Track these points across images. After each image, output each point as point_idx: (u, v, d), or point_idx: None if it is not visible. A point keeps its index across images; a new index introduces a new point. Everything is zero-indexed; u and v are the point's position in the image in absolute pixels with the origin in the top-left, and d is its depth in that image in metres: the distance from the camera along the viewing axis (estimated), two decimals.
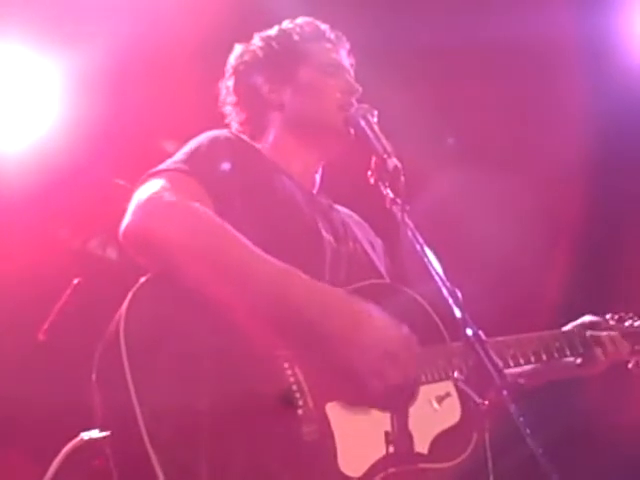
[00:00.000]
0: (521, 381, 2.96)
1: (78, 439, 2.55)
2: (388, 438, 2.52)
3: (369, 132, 2.77)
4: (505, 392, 2.22)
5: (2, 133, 5.12)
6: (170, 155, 2.78)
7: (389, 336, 2.47)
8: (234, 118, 3.11)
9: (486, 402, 2.44)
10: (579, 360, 3.13)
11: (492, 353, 2.29)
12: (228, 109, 3.12)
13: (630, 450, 5.14)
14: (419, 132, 5.00)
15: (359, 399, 2.49)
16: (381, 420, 2.53)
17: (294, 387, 2.46)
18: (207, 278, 2.43)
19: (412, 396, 2.60)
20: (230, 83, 3.11)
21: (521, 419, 2.18)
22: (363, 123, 2.81)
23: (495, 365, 2.26)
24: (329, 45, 3.07)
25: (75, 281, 4.86)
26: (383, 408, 2.53)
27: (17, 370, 5.04)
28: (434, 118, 5.21)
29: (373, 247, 3.10)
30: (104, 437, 2.43)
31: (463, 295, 2.39)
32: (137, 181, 2.69)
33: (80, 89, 4.88)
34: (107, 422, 2.43)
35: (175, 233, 2.47)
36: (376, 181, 2.65)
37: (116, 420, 2.38)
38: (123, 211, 2.59)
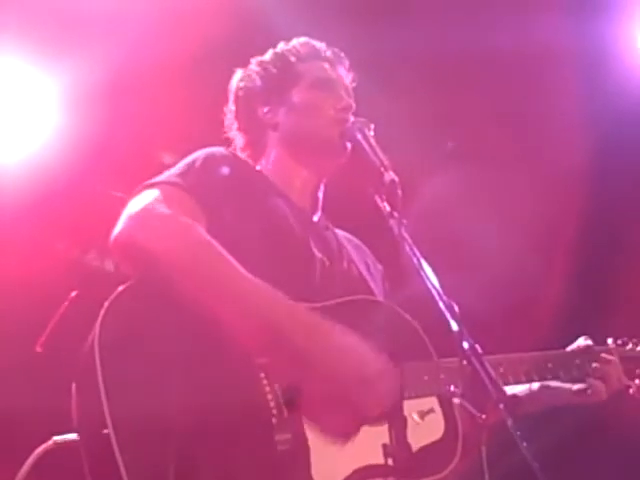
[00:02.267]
0: (519, 395, 2.95)
1: (50, 442, 2.55)
2: (386, 450, 2.52)
3: (366, 146, 2.78)
4: (502, 405, 2.23)
5: (1, 146, 5.13)
6: (167, 167, 2.81)
7: (364, 364, 2.46)
8: (238, 142, 3.15)
9: (483, 416, 2.43)
10: (575, 387, 3.06)
11: (489, 366, 2.29)
12: (232, 134, 3.16)
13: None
14: (418, 138, 5.00)
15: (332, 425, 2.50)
16: (365, 432, 2.53)
17: (269, 396, 2.47)
18: (189, 291, 2.45)
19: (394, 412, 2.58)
20: (231, 109, 3.16)
21: (518, 433, 2.18)
22: (360, 137, 2.82)
23: (492, 379, 2.27)
24: (326, 64, 3.09)
25: (73, 293, 4.86)
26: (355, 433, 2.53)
27: (14, 382, 5.04)
28: (433, 124, 5.22)
29: (370, 270, 3.10)
30: (75, 440, 2.48)
31: (460, 307, 2.40)
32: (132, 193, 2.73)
33: (77, 102, 4.89)
34: (80, 427, 2.47)
35: (163, 246, 2.51)
36: (373, 195, 2.65)
37: (87, 425, 2.41)
38: None
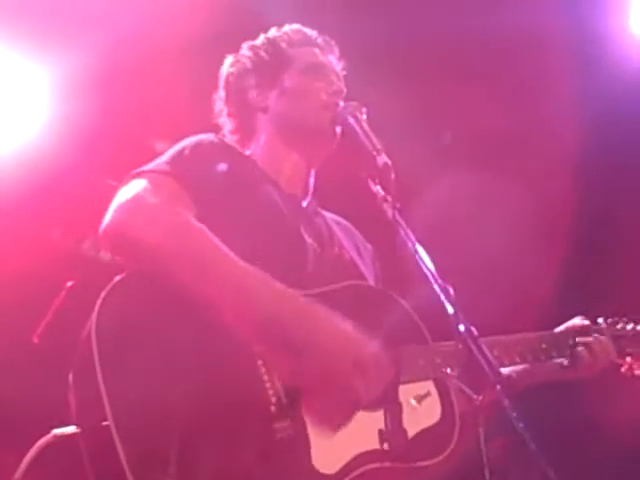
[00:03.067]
0: (514, 375, 2.95)
1: (50, 435, 2.51)
2: (382, 436, 2.53)
3: (358, 129, 2.77)
4: (498, 387, 2.24)
5: None
6: (160, 154, 2.80)
7: (359, 348, 2.44)
8: (227, 128, 3.13)
9: (480, 397, 2.44)
10: (566, 362, 3.08)
11: (485, 348, 2.30)
12: (222, 120, 3.15)
13: (625, 448, 5.12)
14: (413, 130, 4.99)
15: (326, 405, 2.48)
16: (363, 418, 2.52)
17: (267, 384, 2.46)
18: (182, 280, 2.43)
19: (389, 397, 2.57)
20: (222, 94, 3.15)
21: (514, 414, 2.19)
22: (352, 120, 2.80)
23: (488, 360, 2.27)
24: (316, 50, 3.09)
25: (69, 284, 4.86)
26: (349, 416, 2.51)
27: (11, 374, 5.04)
28: (428, 115, 5.19)
29: (360, 253, 3.09)
30: (75, 433, 2.45)
31: (456, 292, 2.39)
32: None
33: (69, 91, 4.88)
34: (79, 419, 2.45)
35: (153, 235, 2.48)
36: (366, 179, 2.64)
37: (87, 417, 2.39)
38: None
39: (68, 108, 4.94)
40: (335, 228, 3.09)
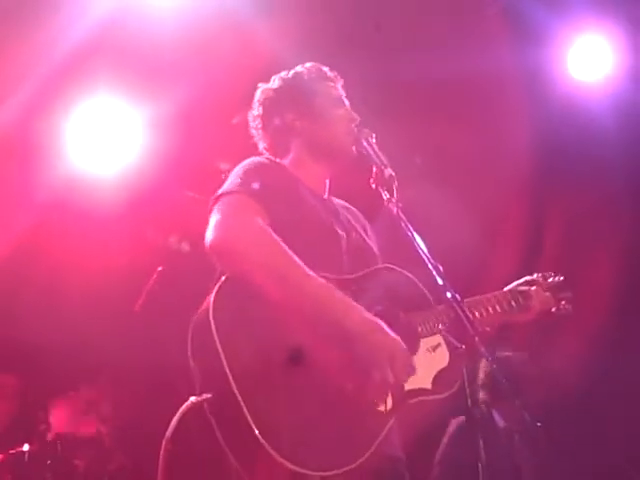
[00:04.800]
0: (487, 329, 2.93)
1: (189, 402, 2.42)
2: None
3: (370, 150, 2.72)
4: (477, 338, 2.23)
5: (102, 162, 5.16)
6: (224, 172, 2.73)
7: (395, 346, 2.41)
8: (260, 141, 2.97)
9: (463, 346, 2.43)
10: (517, 310, 2.99)
11: (466, 309, 2.29)
12: (256, 133, 2.98)
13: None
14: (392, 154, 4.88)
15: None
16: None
17: None
18: (265, 284, 2.39)
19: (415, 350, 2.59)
20: (258, 112, 2.96)
21: (490, 358, 2.18)
22: (365, 144, 2.75)
23: (468, 318, 2.27)
24: (331, 83, 2.95)
25: (159, 268, 4.90)
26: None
27: (119, 332, 5.10)
28: (404, 143, 5.07)
29: (366, 231, 2.99)
30: (204, 400, 2.36)
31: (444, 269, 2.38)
32: (205, 195, 2.65)
33: (158, 126, 4.89)
34: (206, 389, 2.37)
35: (244, 249, 2.44)
36: (377, 186, 2.61)
37: (214, 387, 2.34)
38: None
39: (157, 139, 4.95)
40: (347, 215, 2.96)
